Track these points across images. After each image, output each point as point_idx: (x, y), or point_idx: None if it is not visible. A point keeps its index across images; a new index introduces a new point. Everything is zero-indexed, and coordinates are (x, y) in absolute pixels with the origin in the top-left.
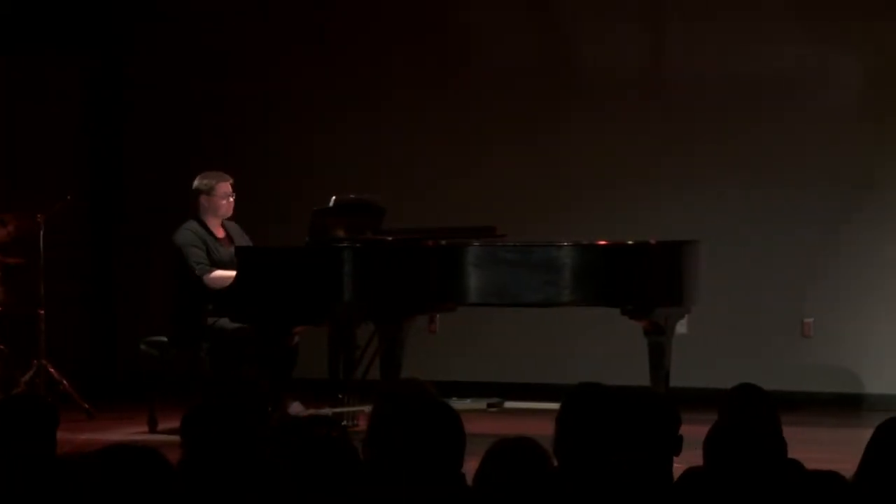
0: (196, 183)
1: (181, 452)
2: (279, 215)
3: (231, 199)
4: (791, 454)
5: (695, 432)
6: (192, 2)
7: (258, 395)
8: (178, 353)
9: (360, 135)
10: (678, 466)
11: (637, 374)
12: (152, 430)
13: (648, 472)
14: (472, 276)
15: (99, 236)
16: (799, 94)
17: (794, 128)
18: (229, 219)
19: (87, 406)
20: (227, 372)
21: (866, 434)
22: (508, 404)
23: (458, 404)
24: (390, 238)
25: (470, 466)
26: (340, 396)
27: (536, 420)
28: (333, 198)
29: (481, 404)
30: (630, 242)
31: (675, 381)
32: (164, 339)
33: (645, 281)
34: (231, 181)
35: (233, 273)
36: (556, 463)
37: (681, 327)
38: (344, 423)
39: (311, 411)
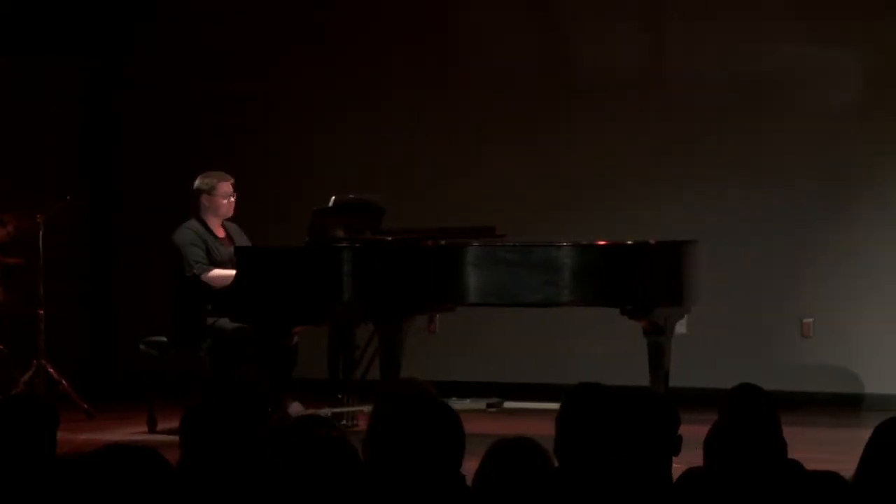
0: (197, 182)
1: (180, 452)
2: (279, 215)
3: (232, 199)
4: (790, 454)
5: (694, 432)
6: (192, 2)
7: (258, 395)
8: (177, 353)
9: (360, 135)
10: (678, 466)
11: (637, 374)
12: (152, 430)
13: (648, 473)
14: (471, 276)
15: (98, 236)
16: (799, 94)
17: (794, 128)
18: (230, 219)
19: (86, 406)
20: (226, 372)
21: (866, 434)
22: (508, 404)
23: (457, 404)
24: (390, 238)
25: (470, 466)
26: (340, 396)
27: (536, 420)
28: (333, 198)
29: (481, 404)
30: (629, 242)
31: (675, 381)
32: (164, 339)
33: (644, 281)
34: (232, 181)
35: (232, 272)
36: (555, 463)
37: (680, 327)
38: (343, 422)
39: (311, 411)
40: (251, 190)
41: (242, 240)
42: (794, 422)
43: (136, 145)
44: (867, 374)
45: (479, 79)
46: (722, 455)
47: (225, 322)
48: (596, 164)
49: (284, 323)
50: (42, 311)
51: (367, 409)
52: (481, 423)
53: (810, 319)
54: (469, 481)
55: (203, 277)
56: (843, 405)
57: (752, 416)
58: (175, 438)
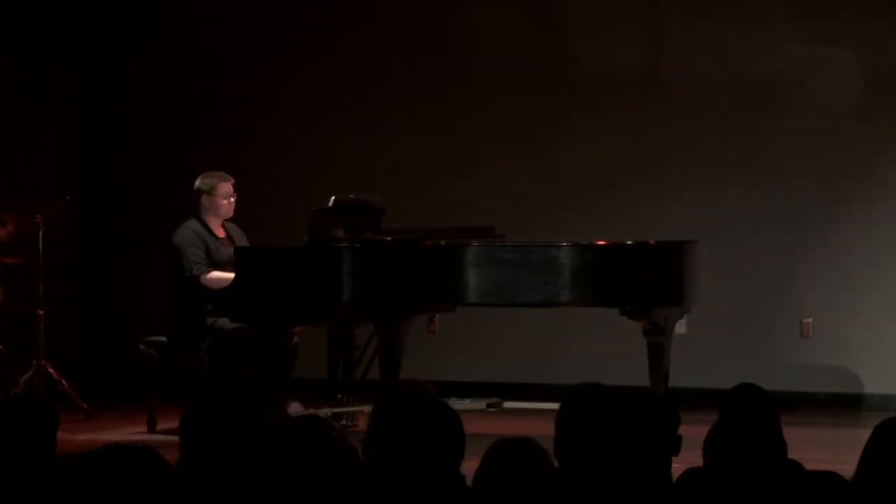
0: (197, 183)
1: (180, 452)
2: (279, 215)
3: (232, 200)
4: (790, 454)
5: (694, 432)
6: (192, 2)
7: (257, 395)
8: (177, 353)
9: (360, 135)
10: (677, 467)
11: (636, 374)
12: (151, 430)
13: (648, 473)
14: (471, 276)
15: (98, 236)
16: (799, 94)
17: (794, 128)
18: (230, 220)
19: (85, 406)
20: (226, 372)
21: (865, 434)
22: (507, 404)
23: (457, 404)
24: (389, 238)
25: (469, 466)
26: (339, 396)
27: (536, 420)
28: (332, 198)
29: (480, 404)
30: (629, 243)
31: (675, 381)
32: (163, 339)
33: (644, 281)
34: (232, 181)
35: (230, 275)
36: (555, 463)
37: (680, 327)
38: (343, 422)
39: (311, 411)
40: (251, 190)
41: (242, 241)
42: (793, 422)
43: (136, 145)
44: (867, 374)
45: (479, 79)
46: (722, 455)
47: (224, 322)
48: (596, 164)
49: (284, 323)
50: (42, 312)
51: (366, 409)
52: (481, 423)
53: (810, 319)
54: (469, 481)
55: (202, 279)
56: (843, 405)
57: (752, 416)
58: (175, 438)
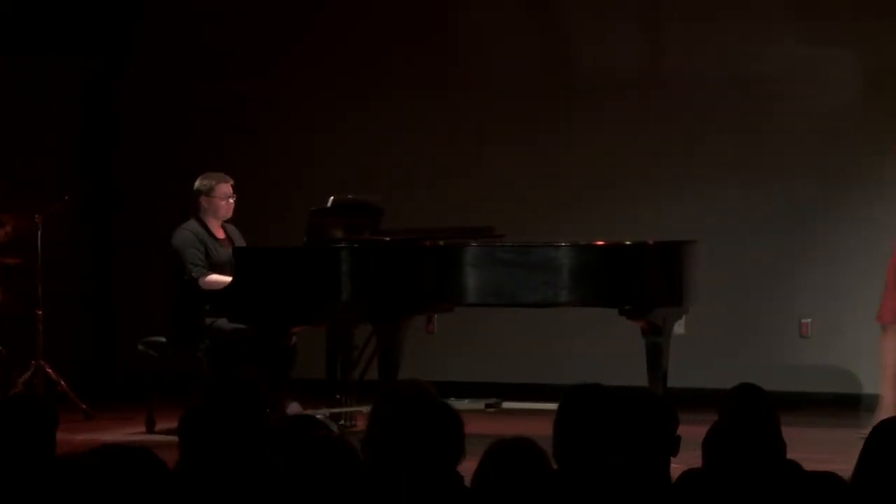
0: (197, 183)
1: (180, 453)
2: (278, 215)
3: (231, 201)
4: (789, 454)
5: (693, 433)
6: (191, 2)
7: (256, 395)
8: (176, 354)
9: (360, 135)
10: (676, 467)
11: (635, 374)
12: (150, 430)
13: (646, 473)
14: (469, 276)
15: (98, 236)
16: (799, 94)
17: (794, 128)
18: (229, 221)
19: (84, 406)
20: (225, 372)
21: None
22: (506, 405)
23: (455, 405)
24: (388, 238)
25: (468, 467)
26: (338, 397)
27: (534, 420)
28: (331, 198)
29: (479, 405)
30: (628, 243)
31: (673, 381)
32: (163, 339)
33: (643, 281)
34: (231, 182)
35: (228, 279)
36: (554, 464)
37: (679, 328)
38: (342, 423)
39: (309, 412)
40: (251, 190)
41: (241, 243)
42: (791, 422)
43: (136, 145)
44: (866, 374)
45: (479, 79)
46: (721, 455)
47: (223, 322)
48: (596, 164)
49: (283, 323)
50: (40, 312)
51: (365, 409)
52: (479, 423)
53: (808, 320)
54: (468, 481)
55: (199, 281)
56: (842, 405)
57: (752, 417)
58: (174, 439)
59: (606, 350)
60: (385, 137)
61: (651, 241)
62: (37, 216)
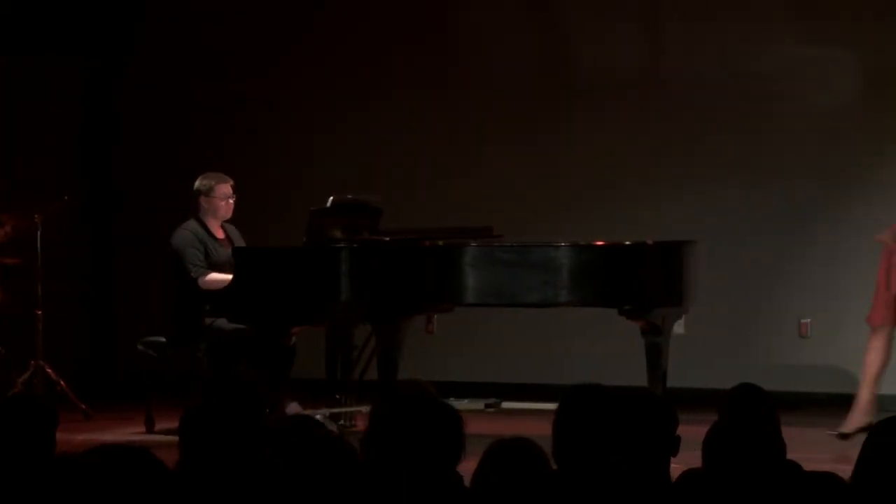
0: (196, 184)
1: (179, 453)
2: (278, 215)
3: (231, 201)
4: (789, 455)
5: (692, 433)
6: (191, 2)
7: (256, 395)
8: (176, 354)
9: (360, 135)
10: (676, 467)
11: (634, 374)
12: (150, 430)
13: (646, 473)
14: (469, 276)
15: (98, 236)
16: (799, 94)
17: (793, 128)
18: (229, 221)
19: (84, 407)
20: (225, 372)
21: (863, 434)
22: (506, 405)
23: (455, 405)
24: (387, 238)
25: (468, 467)
26: (338, 397)
27: (534, 420)
28: (331, 198)
29: (479, 405)
30: (627, 243)
31: (673, 381)
32: (163, 339)
33: (643, 281)
34: (231, 183)
35: (228, 277)
36: (554, 464)
37: (678, 328)
38: (341, 422)
39: (309, 412)
40: (250, 190)
41: (240, 243)
42: (791, 422)
43: (136, 145)
44: None
45: (479, 79)
46: (721, 456)
47: (223, 322)
48: (596, 164)
49: (282, 323)
50: (40, 312)
51: (364, 409)
52: (479, 423)
53: (808, 320)
54: (467, 481)
55: (199, 281)
56: (841, 405)
57: (752, 417)
58: (173, 439)
59: (606, 350)
60: (385, 137)
61: (651, 242)
62: (36, 216)
